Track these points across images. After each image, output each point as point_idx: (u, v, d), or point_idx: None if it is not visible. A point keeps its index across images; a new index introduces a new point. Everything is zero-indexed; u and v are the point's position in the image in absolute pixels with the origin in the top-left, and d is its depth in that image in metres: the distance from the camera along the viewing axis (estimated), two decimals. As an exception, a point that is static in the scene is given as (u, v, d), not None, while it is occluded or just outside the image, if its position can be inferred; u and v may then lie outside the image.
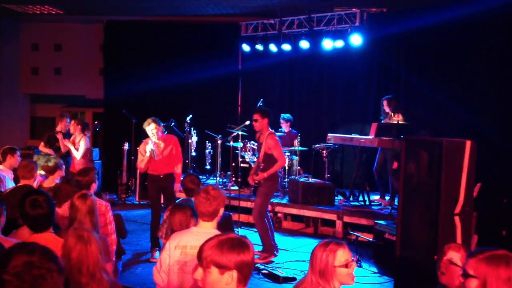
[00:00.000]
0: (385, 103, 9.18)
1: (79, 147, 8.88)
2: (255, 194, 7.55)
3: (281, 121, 10.50)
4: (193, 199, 4.78)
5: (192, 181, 5.45)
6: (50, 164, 6.08)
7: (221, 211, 3.62)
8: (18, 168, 5.89)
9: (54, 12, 12.65)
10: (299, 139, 10.17)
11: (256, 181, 7.44)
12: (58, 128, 9.44)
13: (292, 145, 10.12)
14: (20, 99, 15.11)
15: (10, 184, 6.45)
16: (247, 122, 8.53)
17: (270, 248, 7.43)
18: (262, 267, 7.00)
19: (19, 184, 5.76)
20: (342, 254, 3.05)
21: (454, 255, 3.53)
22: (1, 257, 1.91)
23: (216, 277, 2.38)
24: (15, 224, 4.02)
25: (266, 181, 7.34)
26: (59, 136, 9.10)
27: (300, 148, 10.13)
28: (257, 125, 7.40)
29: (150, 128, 7.33)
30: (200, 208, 3.54)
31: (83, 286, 3.02)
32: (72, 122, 9.11)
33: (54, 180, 6.06)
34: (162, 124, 7.57)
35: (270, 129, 7.48)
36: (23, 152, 10.66)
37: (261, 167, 7.33)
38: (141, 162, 7.43)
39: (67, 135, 9.42)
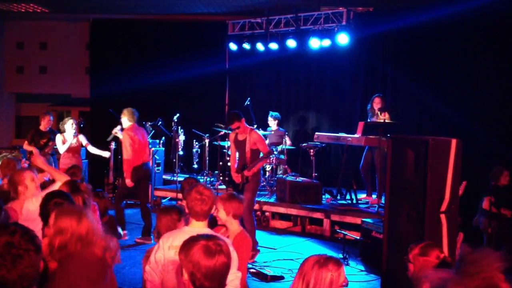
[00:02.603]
0: (377, 100, 9.18)
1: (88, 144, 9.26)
2: (240, 190, 7.49)
3: (269, 118, 10.52)
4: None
5: (191, 184, 5.21)
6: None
7: (213, 209, 3.65)
8: (0, 167, 5.80)
9: (39, 11, 12.55)
10: (286, 138, 10.19)
11: (246, 177, 7.40)
12: (42, 126, 9.37)
13: (280, 143, 10.13)
14: (5, 98, 14.96)
15: None
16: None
17: (255, 245, 7.45)
18: (250, 265, 7.00)
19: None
20: (343, 273, 2.83)
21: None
22: None
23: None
24: None
25: (253, 177, 7.41)
26: (63, 136, 9.02)
27: (288, 147, 10.15)
28: (242, 129, 7.50)
29: None
30: (196, 209, 3.54)
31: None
32: (72, 122, 9.06)
33: (43, 178, 6.01)
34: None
35: (248, 125, 7.61)
36: (8, 152, 10.59)
37: (248, 165, 7.34)
38: None
39: (52, 132, 9.35)
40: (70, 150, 9.03)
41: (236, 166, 7.70)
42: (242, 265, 4.04)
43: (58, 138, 9.04)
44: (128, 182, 8.01)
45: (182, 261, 2.38)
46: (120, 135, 8.44)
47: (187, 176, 8.57)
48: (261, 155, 7.42)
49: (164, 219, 4.00)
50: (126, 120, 8.24)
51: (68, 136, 9.04)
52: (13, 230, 2.17)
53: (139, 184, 8.20)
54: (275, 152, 9.88)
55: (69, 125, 9.05)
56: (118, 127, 8.52)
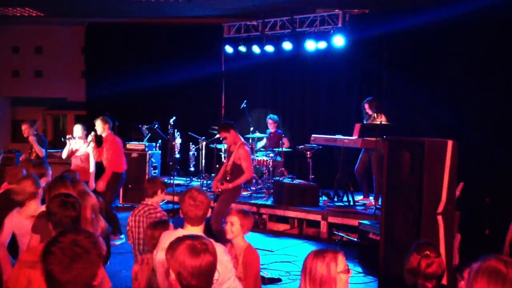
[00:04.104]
0: (366, 105, 9.21)
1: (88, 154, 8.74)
2: (216, 200, 7.21)
3: (269, 120, 10.53)
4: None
5: (152, 182, 5.47)
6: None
7: (209, 213, 3.62)
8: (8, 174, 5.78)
9: (34, 15, 12.52)
10: (283, 141, 10.19)
11: (220, 190, 7.12)
12: (30, 133, 9.31)
13: (278, 146, 10.13)
14: (1, 102, 14.95)
15: None
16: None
17: None
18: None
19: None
20: (342, 260, 2.93)
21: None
22: (58, 234, 2.25)
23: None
24: None
25: (228, 190, 7.08)
26: (70, 141, 8.90)
27: (285, 149, 10.16)
28: (229, 141, 7.21)
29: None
30: (190, 214, 3.50)
31: None
32: (81, 128, 8.80)
33: (43, 184, 5.97)
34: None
35: (242, 139, 7.29)
36: (4, 156, 10.55)
37: (228, 178, 7.06)
38: None
39: (39, 138, 9.31)
40: (79, 156, 8.74)
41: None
42: (251, 278, 4.12)
43: (68, 144, 8.87)
44: (103, 186, 8.18)
45: (168, 261, 2.40)
46: (90, 148, 8.48)
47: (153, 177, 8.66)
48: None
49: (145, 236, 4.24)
50: (103, 128, 8.33)
51: (77, 142, 8.84)
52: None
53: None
54: (271, 162, 9.87)
55: (77, 131, 8.89)
56: (92, 133, 8.42)
